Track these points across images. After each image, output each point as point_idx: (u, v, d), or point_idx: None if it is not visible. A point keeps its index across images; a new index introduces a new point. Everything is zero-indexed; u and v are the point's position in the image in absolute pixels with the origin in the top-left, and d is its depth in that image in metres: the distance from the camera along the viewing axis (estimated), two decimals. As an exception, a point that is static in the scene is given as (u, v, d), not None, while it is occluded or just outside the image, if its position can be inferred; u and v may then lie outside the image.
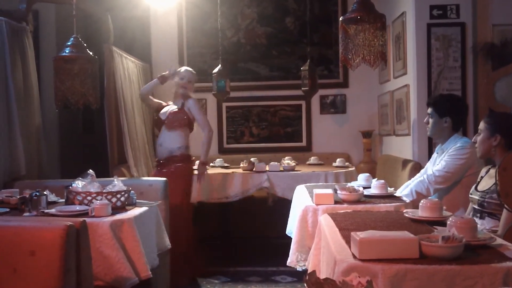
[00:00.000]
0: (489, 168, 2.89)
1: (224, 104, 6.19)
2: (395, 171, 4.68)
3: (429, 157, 4.05)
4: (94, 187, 3.04)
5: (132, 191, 3.14)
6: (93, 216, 2.76)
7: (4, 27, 3.98)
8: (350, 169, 4.86)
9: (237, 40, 6.23)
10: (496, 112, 3.95)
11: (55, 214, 2.82)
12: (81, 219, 2.34)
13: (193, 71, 4.49)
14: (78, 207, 2.93)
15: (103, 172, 4.60)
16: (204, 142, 4.30)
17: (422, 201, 2.40)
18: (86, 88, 3.79)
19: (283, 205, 4.22)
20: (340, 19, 3.27)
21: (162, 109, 4.43)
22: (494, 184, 2.66)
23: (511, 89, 4.16)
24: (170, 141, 4.26)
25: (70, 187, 3.07)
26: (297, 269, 3.01)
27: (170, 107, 4.39)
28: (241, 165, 4.93)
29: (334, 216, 2.52)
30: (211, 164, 5.20)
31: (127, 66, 5.21)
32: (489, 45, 4.36)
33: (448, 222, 1.99)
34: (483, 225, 2.71)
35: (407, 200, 3.11)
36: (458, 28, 4.50)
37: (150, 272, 2.79)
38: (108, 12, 5.16)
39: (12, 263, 2.16)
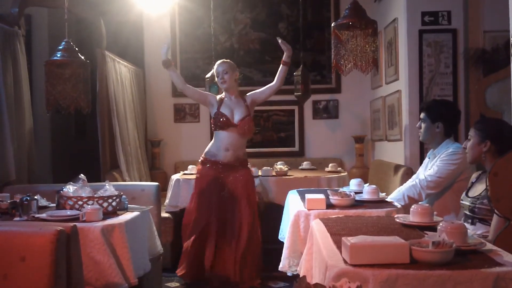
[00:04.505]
0: (480, 174, 2.90)
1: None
2: (387, 177, 4.69)
3: (421, 162, 4.06)
4: (85, 192, 3.03)
5: (123, 196, 3.13)
6: (84, 221, 2.75)
7: (-5, 31, 3.97)
8: (343, 174, 4.86)
9: (230, 45, 6.23)
10: (486, 118, 3.98)
11: (45, 219, 2.80)
12: (72, 224, 2.33)
13: (226, 60, 4.18)
14: (69, 212, 2.92)
15: (95, 177, 4.58)
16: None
17: (413, 206, 2.41)
18: (78, 92, 3.78)
19: (275, 210, 4.21)
20: (332, 24, 3.29)
21: (216, 99, 4.14)
22: (484, 190, 2.67)
23: (502, 95, 4.18)
24: (239, 146, 4.12)
25: (61, 191, 3.05)
26: (288, 274, 3.01)
27: (236, 109, 4.10)
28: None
29: (326, 221, 2.52)
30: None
31: (119, 71, 5.20)
32: (480, 51, 4.40)
33: (439, 227, 1.99)
34: (474, 230, 2.72)
35: (399, 204, 3.12)
36: (449, 34, 4.53)
37: (137, 280, 2.79)
38: (101, 17, 5.16)
39: (2, 269, 2.14)
